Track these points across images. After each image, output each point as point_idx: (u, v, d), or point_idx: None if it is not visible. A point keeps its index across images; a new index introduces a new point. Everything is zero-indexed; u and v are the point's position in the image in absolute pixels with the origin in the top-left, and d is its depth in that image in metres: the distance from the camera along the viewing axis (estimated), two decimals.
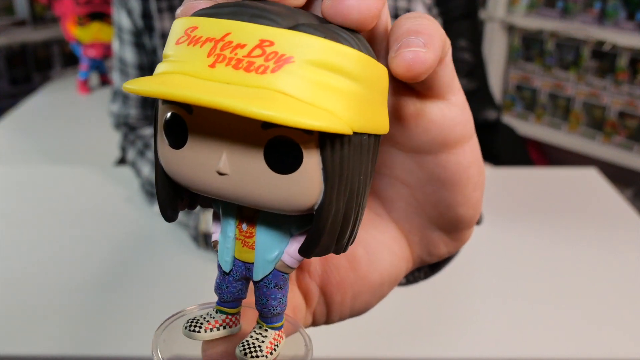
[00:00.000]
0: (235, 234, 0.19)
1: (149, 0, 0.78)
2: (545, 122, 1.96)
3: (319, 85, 0.16)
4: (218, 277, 0.20)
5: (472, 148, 0.23)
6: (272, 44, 0.16)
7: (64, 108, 1.42)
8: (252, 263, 0.19)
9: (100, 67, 1.49)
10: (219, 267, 0.20)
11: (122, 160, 1.06)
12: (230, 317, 0.20)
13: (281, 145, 0.16)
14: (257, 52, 0.16)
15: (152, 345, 0.21)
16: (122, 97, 0.85)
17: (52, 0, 1.45)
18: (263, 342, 0.20)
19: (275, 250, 0.19)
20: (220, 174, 0.17)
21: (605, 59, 1.78)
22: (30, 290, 0.65)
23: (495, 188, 0.91)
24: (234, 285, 0.20)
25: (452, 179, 0.23)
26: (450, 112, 0.22)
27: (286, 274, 0.19)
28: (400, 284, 0.34)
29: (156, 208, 0.79)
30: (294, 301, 0.24)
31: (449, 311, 0.64)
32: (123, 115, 0.85)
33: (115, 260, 0.71)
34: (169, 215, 0.20)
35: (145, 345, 0.58)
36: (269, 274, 0.19)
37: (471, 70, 1.17)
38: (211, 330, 0.20)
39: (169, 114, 0.17)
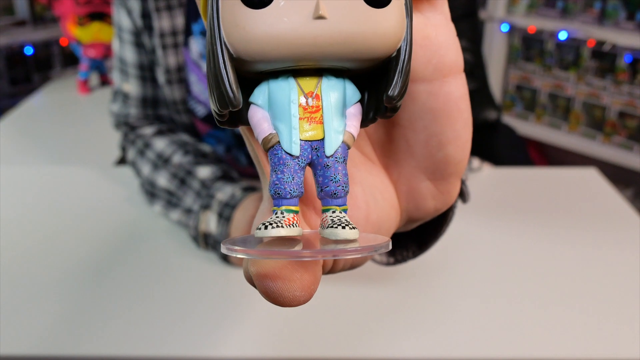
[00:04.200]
0: (300, 114, 0.19)
1: None
2: (545, 122, 1.96)
3: None
4: (279, 172, 0.19)
5: (463, 81, 0.24)
6: None
7: (64, 108, 1.43)
8: (320, 140, 0.19)
9: (100, 67, 1.49)
10: (280, 161, 0.19)
11: (122, 160, 1.06)
12: (295, 216, 0.20)
13: None
14: None
15: (222, 246, 0.20)
16: (122, 96, 0.86)
17: (52, 0, 1.45)
18: (345, 218, 0.19)
19: (342, 119, 0.19)
20: (320, 18, 0.17)
21: (605, 59, 1.78)
22: (30, 290, 0.65)
23: (495, 188, 0.91)
24: (299, 174, 0.19)
25: (444, 109, 0.23)
26: (443, 34, 0.22)
27: (349, 147, 0.20)
28: (389, 264, 0.34)
29: (156, 207, 0.79)
30: None
31: (448, 311, 0.64)
32: (123, 115, 0.85)
33: (115, 260, 0.71)
34: (237, 97, 0.18)
35: (143, 344, 0.58)
36: (339, 147, 0.19)
37: (471, 70, 1.17)
38: (289, 226, 0.19)
39: None
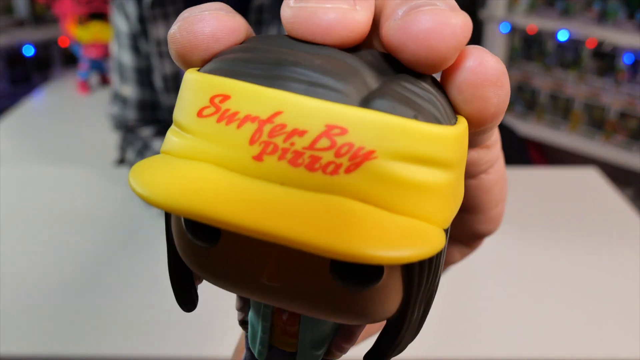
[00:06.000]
0: (274, 320, 0.15)
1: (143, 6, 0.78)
2: (545, 122, 1.96)
3: (409, 186, 0.12)
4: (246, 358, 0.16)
5: (499, 167, 0.20)
6: (344, 131, 0.11)
7: (64, 108, 1.42)
8: (295, 352, 0.15)
9: (100, 67, 1.49)
10: (248, 349, 0.16)
11: (121, 161, 1.06)
12: None
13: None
14: (324, 143, 0.11)
15: None
16: (121, 99, 0.85)
17: (52, 0, 1.45)
18: None
19: (323, 341, 0.15)
20: (269, 282, 0.13)
21: (605, 59, 1.77)
22: (30, 290, 0.65)
23: None
24: None
25: (473, 203, 0.21)
26: (486, 156, 0.19)
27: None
28: None
29: (155, 210, 0.78)
30: None
31: (447, 312, 0.64)
32: (122, 117, 0.85)
33: (115, 260, 0.71)
34: (188, 307, 0.16)
35: (146, 345, 0.58)
36: None
37: None
38: None
39: None
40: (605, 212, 0.85)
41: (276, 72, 0.12)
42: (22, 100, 1.45)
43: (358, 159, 0.11)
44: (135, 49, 0.82)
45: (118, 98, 0.86)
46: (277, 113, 0.12)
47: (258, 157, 0.12)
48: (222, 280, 0.13)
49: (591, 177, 0.95)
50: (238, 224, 0.10)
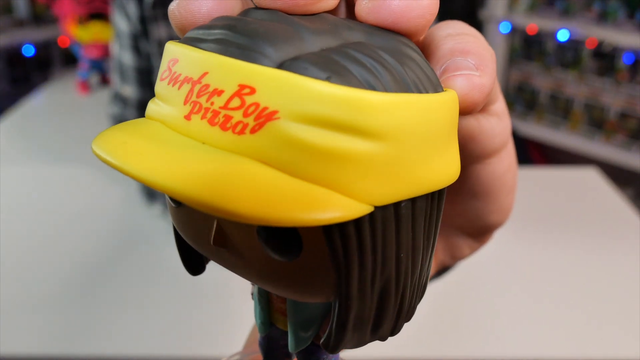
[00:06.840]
0: (270, 297, 0.16)
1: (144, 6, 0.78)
2: (545, 122, 1.96)
3: (315, 151, 0.11)
4: (262, 350, 0.17)
5: (508, 153, 0.21)
6: (252, 91, 0.11)
7: (64, 108, 1.42)
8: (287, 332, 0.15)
9: (100, 67, 1.49)
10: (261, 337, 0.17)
11: None
12: None
13: (275, 227, 0.12)
14: (236, 102, 0.11)
15: None
16: (122, 99, 0.85)
17: (52, 0, 1.45)
18: None
19: (311, 324, 0.15)
20: (217, 245, 0.13)
21: (605, 59, 1.77)
22: (30, 289, 0.65)
23: None
24: (276, 349, 0.17)
25: (485, 189, 0.21)
26: (489, 123, 0.19)
27: None
28: None
29: (155, 210, 0.79)
30: None
31: (447, 311, 0.64)
32: (122, 118, 0.85)
33: (114, 260, 0.71)
34: (194, 270, 0.17)
35: (144, 345, 0.58)
36: (306, 348, 0.15)
37: None
38: None
39: None
40: (605, 212, 0.85)
41: (216, 37, 0.13)
42: (22, 100, 1.45)
43: (262, 119, 0.11)
44: (136, 49, 0.82)
45: (118, 98, 0.86)
46: (205, 74, 0.12)
47: (187, 116, 0.12)
48: (189, 239, 0.14)
49: (591, 177, 0.95)
50: (138, 176, 0.11)
